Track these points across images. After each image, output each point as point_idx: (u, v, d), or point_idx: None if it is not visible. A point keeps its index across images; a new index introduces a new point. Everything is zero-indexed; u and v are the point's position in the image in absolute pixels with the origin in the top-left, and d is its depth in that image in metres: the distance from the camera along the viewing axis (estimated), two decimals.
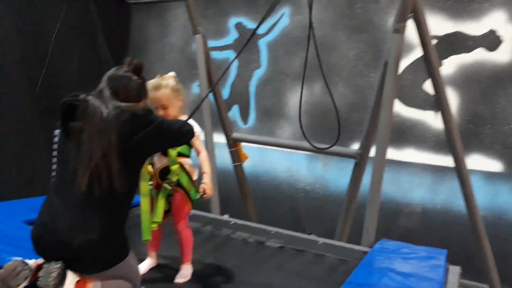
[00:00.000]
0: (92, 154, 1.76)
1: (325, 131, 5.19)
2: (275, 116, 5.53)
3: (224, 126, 4.54)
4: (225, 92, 5.80)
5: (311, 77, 5.26)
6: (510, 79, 4.32)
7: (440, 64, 3.38)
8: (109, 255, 1.82)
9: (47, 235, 1.79)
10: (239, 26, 5.78)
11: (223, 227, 3.38)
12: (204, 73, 4.30)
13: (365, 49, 4.99)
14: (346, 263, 2.79)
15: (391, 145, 4.75)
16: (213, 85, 3.41)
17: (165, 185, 2.35)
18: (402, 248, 2.91)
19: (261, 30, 5.64)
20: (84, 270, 1.81)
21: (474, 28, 4.46)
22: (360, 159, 3.68)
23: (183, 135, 1.98)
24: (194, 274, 2.43)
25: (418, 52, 4.37)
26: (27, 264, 1.81)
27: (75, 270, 1.80)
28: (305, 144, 3.10)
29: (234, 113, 5.77)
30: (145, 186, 2.32)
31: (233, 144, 4.55)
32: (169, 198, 2.42)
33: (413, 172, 4.75)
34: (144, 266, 2.46)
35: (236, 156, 4.60)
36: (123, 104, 1.86)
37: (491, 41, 4.39)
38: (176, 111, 2.38)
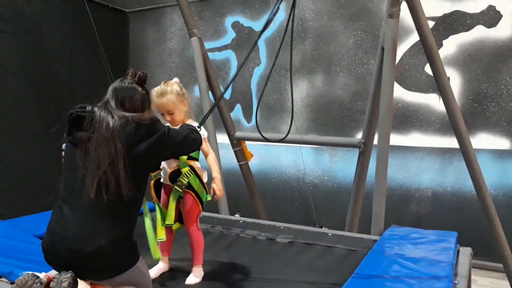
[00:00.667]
0: (99, 162, 1.81)
1: (329, 123, 5.18)
2: (278, 111, 5.53)
3: (227, 126, 4.55)
4: (227, 92, 5.81)
5: (312, 69, 5.25)
6: (511, 54, 4.25)
7: (448, 78, 3.35)
8: (119, 261, 1.85)
9: (58, 243, 1.82)
10: (236, 25, 5.78)
11: (232, 226, 3.39)
12: (202, 75, 4.32)
13: (363, 37, 4.96)
14: (356, 253, 2.79)
15: (397, 131, 4.72)
16: (225, 88, 3.45)
17: (176, 187, 2.37)
18: (411, 234, 2.89)
19: (258, 28, 5.64)
20: (95, 277, 1.85)
21: (472, 5, 4.40)
22: (364, 148, 3.66)
23: (190, 144, 2.07)
24: (205, 274, 2.45)
25: (416, 35, 4.33)
26: (38, 277, 1.84)
27: (86, 278, 1.84)
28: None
29: (237, 112, 5.79)
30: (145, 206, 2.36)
31: (237, 143, 4.56)
32: (179, 200, 2.45)
33: (421, 156, 4.72)
34: (156, 271, 2.48)
35: (241, 155, 4.61)
36: (128, 114, 1.92)
37: (490, 17, 4.32)
38: (183, 116, 2.41)
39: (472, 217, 4.39)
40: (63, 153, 2.06)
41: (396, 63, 3.97)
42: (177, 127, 2.34)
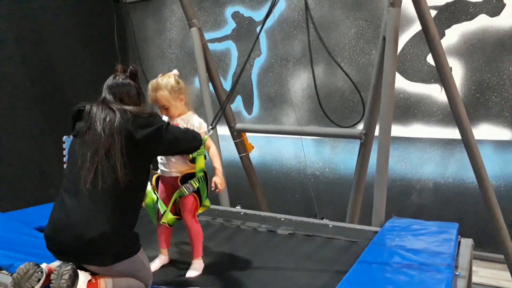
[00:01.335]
0: (96, 150, 1.88)
1: (330, 114, 5.15)
2: (279, 103, 5.50)
3: (227, 118, 4.53)
4: (227, 84, 5.78)
5: (313, 60, 5.20)
6: None
7: (450, 68, 3.31)
8: (121, 248, 1.89)
9: (61, 230, 1.86)
10: (236, 15, 5.73)
11: (233, 218, 3.39)
12: (202, 66, 4.29)
13: (365, 27, 4.91)
14: (357, 244, 2.78)
15: (398, 122, 4.69)
16: (233, 84, 3.44)
17: (184, 189, 2.36)
18: (412, 225, 2.88)
19: (258, 18, 5.59)
20: (97, 263, 1.88)
21: None
22: (365, 139, 3.64)
23: (188, 141, 2.10)
24: (205, 267, 2.45)
25: (419, 25, 4.29)
26: (39, 266, 1.85)
27: (88, 263, 1.88)
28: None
29: (238, 104, 5.76)
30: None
31: (237, 135, 4.54)
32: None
33: (422, 147, 4.69)
34: (156, 264, 2.49)
35: (242, 147, 4.60)
36: (127, 106, 1.99)
37: (494, 6, 4.27)
38: (179, 111, 2.38)
39: (474, 208, 4.38)
40: (64, 145, 2.10)
41: (398, 53, 3.93)
42: (180, 121, 2.34)
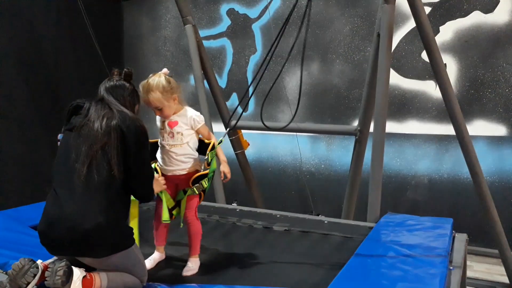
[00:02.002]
0: (92, 144, 1.90)
1: (325, 111, 5.16)
2: (274, 100, 5.50)
3: (223, 115, 4.53)
4: (223, 81, 5.77)
5: (309, 57, 5.21)
6: (509, 40, 4.23)
7: (445, 65, 3.33)
8: (116, 239, 1.90)
9: (55, 223, 1.85)
10: (231, 12, 5.72)
11: (229, 215, 3.39)
12: (197, 63, 4.28)
13: (360, 24, 4.92)
14: (352, 240, 2.79)
15: (393, 118, 4.71)
16: (248, 87, 3.40)
17: (195, 189, 2.38)
18: (407, 220, 2.90)
19: (253, 15, 5.58)
20: (93, 254, 1.88)
21: None
22: (360, 136, 3.65)
23: (143, 169, 2.06)
24: (201, 264, 2.45)
25: (413, 22, 4.30)
26: (34, 262, 1.85)
27: (82, 255, 1.88)
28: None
29: (233, 101, 5.75)
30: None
31: (233, 132, 4.54)
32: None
33: (417, 143, 4.72)
34: (152, 261, 2.48)
35: (238, 144, 4.60)
36: (126, 110, 2.03)
37: (488, 2, 4.28)
38: (173, 110, 2.35)
39: (468, 203, 4.41)
40: (58, 143, 2.10)
41: (392, 50, 3.93)
42: (177, 118, 2.35)
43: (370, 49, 4.02)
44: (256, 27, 5.57)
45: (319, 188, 5.25)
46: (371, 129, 3.39)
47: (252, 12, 5.58)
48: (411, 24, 4.55)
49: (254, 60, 5.61)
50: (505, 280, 3.64)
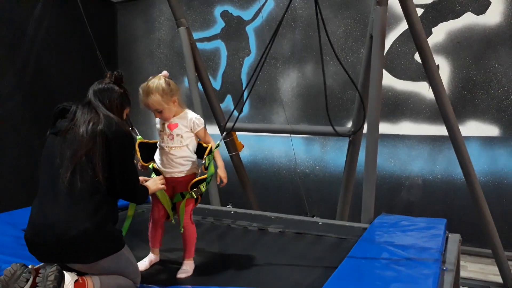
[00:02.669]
0: (76, 150, 1.88)
1: (319, 112, 5.18)
2: (269, 102, 5.51)
3: (217, 117, 4.53)
4: (217, 83, 5.77)
5: (302, 59, 5.23)
6: (500, 41, 4.26)
7: (437, 66, 3.35)
8: (104, 243, 1.88)
9: (41, 231, 1.83)
10: (225, 14, 5.73)
11: (223, 217, 3.39)
12: (191, 65, 4.28)
13: (353, 25, 4.94)
14: (346, 241, 2.80)
15: (387, 119, 4.74)
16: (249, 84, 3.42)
17: (193, 193, 2.38)
18: (401, 221, 2.91)
19: (247, 17, 5.59)
20: (80, 260, 1.87)
21: None
22: (354, 137, 3.66)
23: (127, 175, 2.02)
24: (196, 267, 2.45)
25: (406, 23, 4.33)
26: (26, 267, 1.84)
27: (70, 262, 1.87)
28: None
29: (228, 103, 5.76)
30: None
31: (227, 134, 4.53)
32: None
33: (411, 144, 4.74)
34: (147, 262, 2.48)
35: (232, 146, 4.60)
36: (112, 115, 2.00)
37: (479, 4, 4.32)
38: (173, 113, 2.35)
39: (462, 204, 4.43)
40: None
41: (385, 52, 3.95)
42: (178, 120, 2.35)
43: (363, 50, 4.04)
44: (250, 29, 5.58)
45: (313, 190, 5.26)
46: (365, 130, 3.41)
47: (246, 14, 5.59)
48: (403, 25, 4.58)
49: (248, 62, 5.62)
50: (499, 279, 3.66)
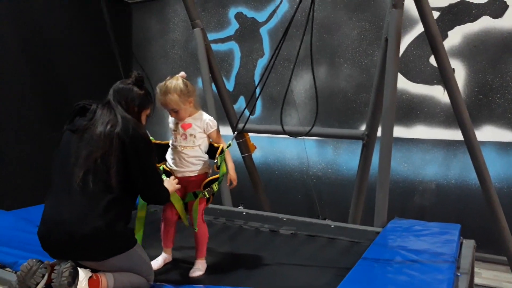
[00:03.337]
0: (92, 151, 1.90)
1: (332, 115, 5.16)
2: (281, 103, 5.50)
3: (230, 118, 4.55)
4: (230, 84, 5.79)
5: (315, 61, 5.21)
6: None
7: (452, 69, 3.32)
8: (114, 242, 1.90)
9: (54, 228, 1.87)
10: (239, 16, 5.75)
11: (235, 218, 3.40)
12: (205, 66, 4.31)
13: (368, 28, 4.92)
14: (358, 244, 2.79)
15: (401, 123, 4.70)
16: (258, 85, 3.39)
17: (206, 193, 2.40)
18: (414, 226, 2.89)
19: (261, 18, 5.60)
20: (91, 258, 1.90)
21: None
22: (367, 140, 3.64)
23: (150, 178, 2.04)
24: (208, 266, 2.46)
25: (422, 26, 4.30)
26: (42, 262, 1.87)
27: (81, 259, 1.90)
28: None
29: (240, 104, 5.77)
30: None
31: (240, 135, 4.55)
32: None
33: (425, 148, 4.69)
34: (160, 261, 2.50)
35: (245, 147, 4.61)
36: (130, 117, 2.00)
37: (497, 7, 4.26)
38: (188, 113, 2.39)
39: (476, 209, 4.37)
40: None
41: (400, 54, 3.93)
42: (192, 120, 2.37)
43: (378, 53, 4.02)
44: (264, 31, 5.59)
45: (325, 192, 5.24)
46: (379, 133, 3.39)
47: (260, 16, 5.60)
48: (419, 28, 4.54)
49: (261, 63, 5.63)
50: None
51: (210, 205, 3.56)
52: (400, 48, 3.42)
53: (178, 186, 2.36)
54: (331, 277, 2.29)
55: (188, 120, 2.40)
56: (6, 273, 2.24)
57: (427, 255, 2.32)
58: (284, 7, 5.40)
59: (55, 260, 1.95)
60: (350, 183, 4.81)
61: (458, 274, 2.20)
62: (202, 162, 2.42)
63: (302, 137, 4.94)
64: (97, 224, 1.83)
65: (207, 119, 2.43)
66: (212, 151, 2.47)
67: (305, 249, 2.78)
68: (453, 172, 4.57)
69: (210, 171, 2.49)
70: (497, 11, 4.26)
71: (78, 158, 1.90)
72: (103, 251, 1.89)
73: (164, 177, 2.40)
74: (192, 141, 2.39)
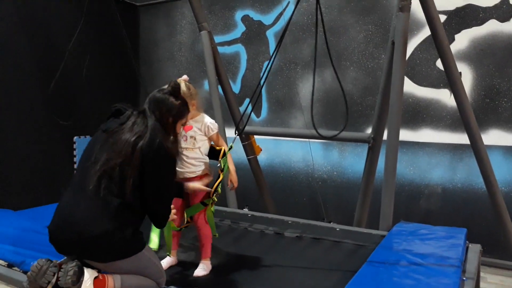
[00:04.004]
0: (111, 158, 1.90)
1: (338, 118, 5.16)
2: (287, 106, 5.52)
3: (236, 120, 4.56)
4: (236, 87, 5.81)
5: (322, 64, 5.22)
6: None
7: (459, 72, 3.31)
8: (121, 245, 1.91)
9: (65, 226, 1.90)
10: (246, 18, 5.77)
11: (241, 220, 3.41)
12: (212, 69, 4.32)
13: (374, 31, 4.91)
14: (364, 248, 2.79)
15: (407, 126, 4.68)
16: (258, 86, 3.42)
17: (214, 197, 2.46)
18: (420, 230, 2.88)
19: (267, 21, 5.62)
20: (96, 258, 1.92)
21: None
22: (373, 143, 3.64)
23: (165, 188, 2.02)
24: (213, 267, 2.48)
25: (428, 30, 4.29)
26: (52, 261, 1.90)
27: (88, 258, 1.92)
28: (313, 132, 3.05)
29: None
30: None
31: (246, 137, 4.56)
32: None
33: (431, 152, 4.67)
34: (164, 264, 2.51)
35: (250, 149, 4.62)
36: (158, 126, 1.97)
37: (504, 11, 4.25)
38: (191, 116, 2.39)
39: (482, 214, 4.34)
40: (74, 145, 2.12)
41: (407, 58, 3.91)
42: (193, 123, 2.39)
43: (384, 56, 4.02)
44: (270, 34, 5.61)
45: (331, 195, 5.24)
46: (385, 136, 3.38)
47: (267, 19, 5.62)
48: (426, 32, 4.53)
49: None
50: None
51: (216, 208, 3.58)
52: (407, 51, 3.42)
53: (175, 216, 2.35)
54: (336, 281, 2.29)
55: (189, 122, 2.43)
56: (14, 272, 2.26)
57: (433, 259, 2.32)
58: (291, 10, 5.41)
59: (63, 258, 1.97)
60: (356, 186, 4.80)
61: (464, 278, 2.19)
62: (202, 164, 2.46)
63: (307, 139, 4.95)
64: (106, 228, 1.84)
65: (208, 122, 2.46)
66: (213, 153, 2.50)
67: (310, 252, 2.78)
68: (459, 176, 4.55)
69: (211, 172, 2.52)
70: (504, 14, 4.25)
71: (97, 162, 1.91)
72: (108, 253, 1.90)
73: None
74: (192, 143, 2.42)
